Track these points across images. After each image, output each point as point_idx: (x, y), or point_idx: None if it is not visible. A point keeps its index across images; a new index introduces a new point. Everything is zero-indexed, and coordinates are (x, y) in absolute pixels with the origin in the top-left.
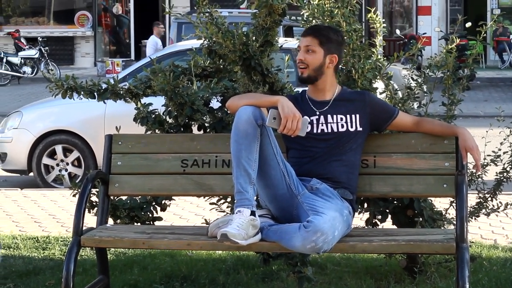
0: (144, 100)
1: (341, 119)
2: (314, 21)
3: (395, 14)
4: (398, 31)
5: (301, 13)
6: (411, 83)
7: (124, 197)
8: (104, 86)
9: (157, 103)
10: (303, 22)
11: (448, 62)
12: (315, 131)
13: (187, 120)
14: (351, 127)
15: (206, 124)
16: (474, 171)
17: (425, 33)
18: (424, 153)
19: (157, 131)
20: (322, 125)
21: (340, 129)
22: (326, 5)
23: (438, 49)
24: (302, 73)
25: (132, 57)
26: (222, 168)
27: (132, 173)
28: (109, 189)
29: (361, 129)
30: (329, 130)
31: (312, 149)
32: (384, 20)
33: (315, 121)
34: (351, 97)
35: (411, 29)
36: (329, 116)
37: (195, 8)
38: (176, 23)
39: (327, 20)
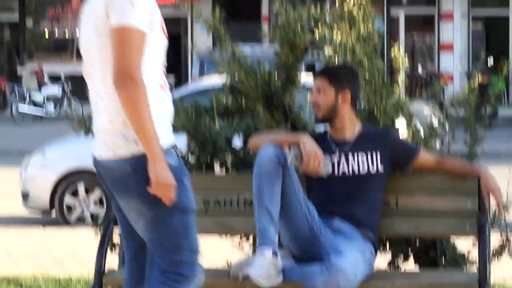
0: None
1: (363, 158)
2: (336, 59)
3: (417, 51)
4: (420, 69)
5: (324, 51)
6: (433, 121)
7: None
8: None
9: (179, 142)
10: (325, 59)
11: (470, 100)
12: (336, 171)
13: (209, 159)
14: (373, 167)
15: (228, 163)
16: (497, 211)
17: (447, 71)
18: (446, 193)
19: None
20: (343, 165)
21: (361, 169)
22: (348, 43)
23: (460, 87)
24: (316, 114)
25: None
26: (244, 207)
27: None
28: None
29: (382, 168)
30: (350, 171)
31: (333, 190)
32: (406, 57)
33: (336, 161)
34: (372, 135)
35: (433, 67)
36: (350, 156)
37: (217, 45)
38: (198, 60)
39: (349, 58)
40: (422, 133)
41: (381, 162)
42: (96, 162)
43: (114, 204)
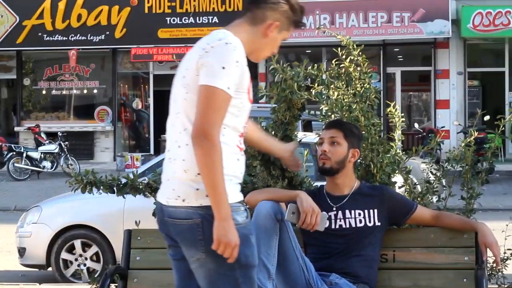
0: None
1: (359, 214)
2: (333, 115)
3: (414, 108)
4: (416, 125)
5: (320, 108)
6: (430, 177)
7: None
8: (123, 181)
9: None
10: (322, 116)
11: (467, 156)
12: (333, 226)
13: None
14: (369, 222)
15: None
16: (495, 265)
17: (443, 127)
18: (443, 248)
19: None
20: (340, 221)
21: (358, 224)
22: (345, 100)
23: (456, 143)
24: (324, 164)
25: (152, 151)
26: None
27: (151, 268)
28: (128, 284)
29: (379, 224)
30: (347, 226)
31: (330, 244)
32: (402, 114)
33: (333, 217)
34: (369, 192)
35: (430, 123)
36: (347, 211)
37: None
38: None
39: (346, 115)
40: (418, 189)
41: (378, 219)
42: (161, 208)
43: (172, 252)
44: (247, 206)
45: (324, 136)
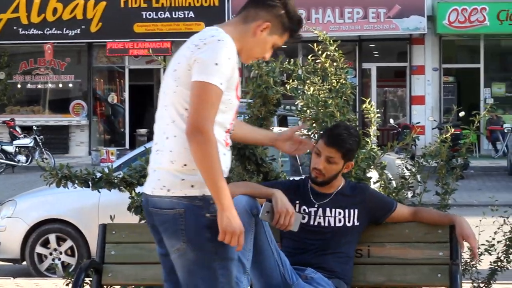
0: (139, 189)
1: (339, 213)
2: (308, 111)
3: (389, 104)
4: (392, 121)
5: (296, 103)
6: (405, 172)
7: (117, 287)
8: (98, 175)
9: None
10: (297, 112)
11: (442, 152)
12: (311, 222)
13: None
14: (349, 222)
15: None
16: (469, 260)
17: (418, 123)
18: (418, 243)
19: None
20: (320, 218)
21: (338, 224)
22: (321, 95)
23: (432, 139)
24: (316, 178)
25: (127, 146)
26: None
27: (125, 263)
28: (103, 278)
29: (358, 224)
30: (326, 224)
31: (307, 241)
32: (378, 110)
33: (313, 213)
34: (351, 192)
35: (405, 119)
36: (327, 209)
37: None
38: None
39: (321, 110)
40: (393, 184)
41: (357, 219)
42: (146, 199)
43: (159, 249)
44: None
45: (321, 151)
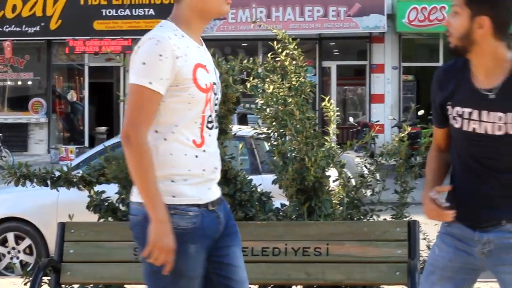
0: (98, 187)
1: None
2: (268, 109)
3: (349, 102)
4: (351, 119)
5: (255, 102)
6: (364, 171)
7: (76, 286)
8: (57, 173)
9: (111, 190)
10: (257, 110)
11: (401, 150)
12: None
13: None
14: None
15: None
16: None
17: (378, 121)
18: (376, 241)
19: (110, 219)
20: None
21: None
22: (280, 94)
23: (391, 137)
24: (449, 43)
25: (86, 144)
26: None
27: (84, 261)
28: (61, 277)
29: None
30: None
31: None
32: (338, 108)
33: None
34: None
35: (365, 117)
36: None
37: None
38: None
39: (281, 108)
40: (353, 183)
41: None
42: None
43: None
44: (213, 209)
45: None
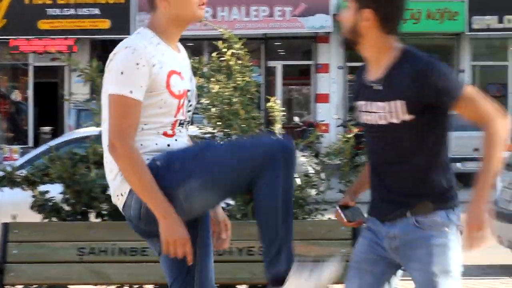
0: (42, 187)
1: None
2: (213, 109)
3: (294, 102)
4: (297, 119)
5: (201, 101)
6: (309, 170)
7: (20, 286)
8: (1, 174)
9: (54, 190)
10: (202, 109)
11: (345, 150)
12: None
13: (84, 208)
14: None
15: (104, 212)
16: None
17: (323, 121)
18: (321, 240)
19: (54, 219)
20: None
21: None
22: (225, 93)
23: (336, 137)
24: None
25: (31, 144)
26: (119, 256)
27: (28, 262)
28: (5, 278)
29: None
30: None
31: None
32: (283, 108)
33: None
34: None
35: (310, 117)
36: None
37: (94, 95)
38: (75, 110)
39: (226, 108)
40: (298, 182)
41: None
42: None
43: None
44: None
45: None
